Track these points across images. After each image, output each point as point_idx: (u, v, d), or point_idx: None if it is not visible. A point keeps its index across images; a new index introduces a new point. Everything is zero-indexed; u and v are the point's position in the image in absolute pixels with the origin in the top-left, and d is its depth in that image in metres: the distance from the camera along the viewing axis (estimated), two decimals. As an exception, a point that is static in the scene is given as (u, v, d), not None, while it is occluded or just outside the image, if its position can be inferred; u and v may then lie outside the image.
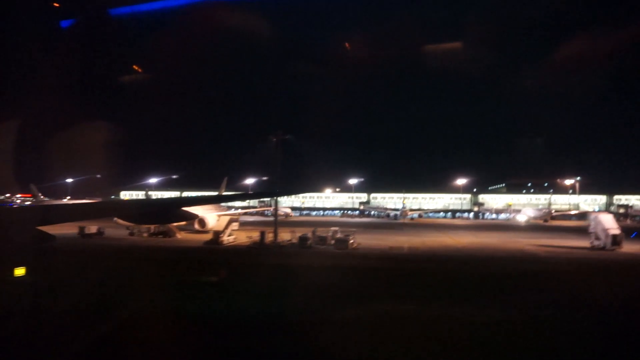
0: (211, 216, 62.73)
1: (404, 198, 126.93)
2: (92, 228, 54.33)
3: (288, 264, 34.31)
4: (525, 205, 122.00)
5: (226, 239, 48.32)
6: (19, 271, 27.31)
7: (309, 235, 46.09)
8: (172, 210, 16.96)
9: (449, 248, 47.19)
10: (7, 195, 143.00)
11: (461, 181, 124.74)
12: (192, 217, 47.96)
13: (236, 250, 44.10)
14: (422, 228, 79.28)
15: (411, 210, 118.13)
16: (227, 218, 51.13)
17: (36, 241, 10.85)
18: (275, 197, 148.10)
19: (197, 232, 57.49)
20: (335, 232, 47.74)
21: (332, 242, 45.33)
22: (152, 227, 56.63)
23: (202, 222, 60.27)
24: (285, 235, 48.38)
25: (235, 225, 51.43)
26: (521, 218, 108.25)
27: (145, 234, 56.89)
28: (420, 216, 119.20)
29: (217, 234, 48.01)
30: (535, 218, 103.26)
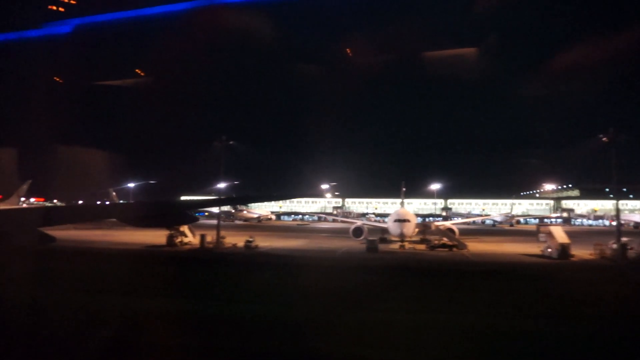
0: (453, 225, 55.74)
1: (516, 205, 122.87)
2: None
3: None
4: (610, 211, 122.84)
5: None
6: None
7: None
8: (176, 213, 16.65)
9: None
10: (22, 199, 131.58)
11: (549, 186, 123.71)
12: (194, 219, 41.00)
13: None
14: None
15: (516, 216, 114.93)
16: (560, 228, 44.60)
17: (37, 242, 11.14)
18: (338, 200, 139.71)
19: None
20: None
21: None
22: (434, 240, 48.99)
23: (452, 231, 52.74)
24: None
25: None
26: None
27: (419, 246, 49.00)
28: (518, 222, 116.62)
29: (565, 247, 41.34)
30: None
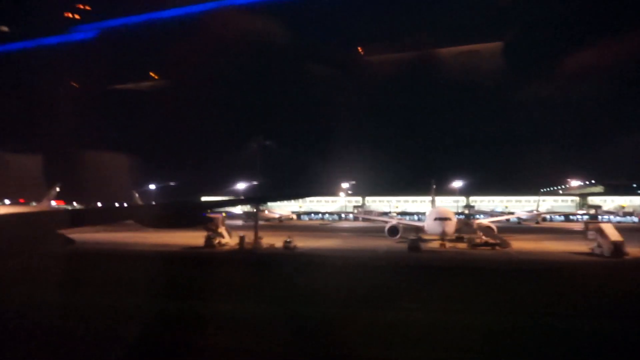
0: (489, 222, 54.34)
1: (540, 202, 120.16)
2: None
3: None
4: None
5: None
6: None
7: None
8: (194, 214, 16.49)
9: None
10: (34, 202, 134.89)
11: (573, 183, 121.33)
12: (208, 220, 39.15)
13: None
14: None
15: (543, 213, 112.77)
16: (611, 225, 43.04)
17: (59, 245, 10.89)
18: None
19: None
20: None
21: None
22: (476, 238, 47.69)
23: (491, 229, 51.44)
24: None
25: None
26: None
27: (459, 245, 47.76)
28: (544, 219, 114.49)
29: (619, 244, 39.72)
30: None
